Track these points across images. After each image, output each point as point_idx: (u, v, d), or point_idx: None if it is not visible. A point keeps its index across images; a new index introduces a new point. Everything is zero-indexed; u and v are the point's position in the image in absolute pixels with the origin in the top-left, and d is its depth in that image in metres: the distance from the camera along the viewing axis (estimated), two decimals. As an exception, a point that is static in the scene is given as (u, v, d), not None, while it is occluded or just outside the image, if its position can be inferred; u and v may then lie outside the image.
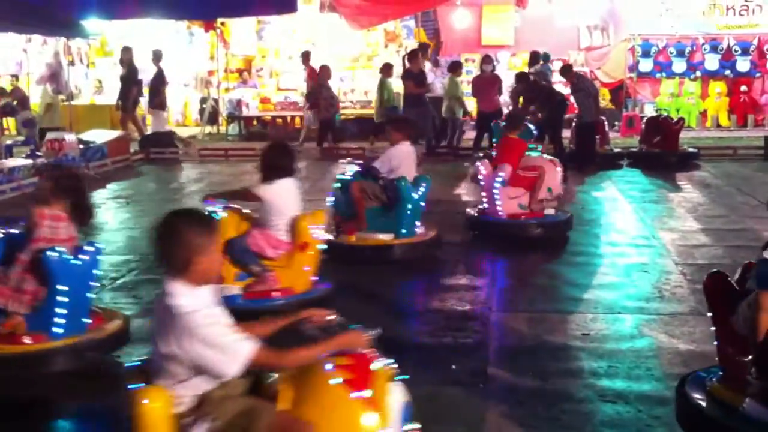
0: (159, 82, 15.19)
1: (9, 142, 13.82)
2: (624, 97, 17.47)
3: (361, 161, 7.60)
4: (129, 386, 2.61)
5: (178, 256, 2.67)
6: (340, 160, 7.48)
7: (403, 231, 6.99)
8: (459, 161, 13.61)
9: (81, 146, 12.96)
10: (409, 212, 7.00)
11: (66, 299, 4.54)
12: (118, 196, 11.12)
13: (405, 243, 7.00)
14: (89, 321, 4.76)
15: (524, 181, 7.83)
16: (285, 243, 5.42)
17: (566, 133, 12.93)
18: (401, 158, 7.10)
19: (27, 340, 4.55)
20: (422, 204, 7.13)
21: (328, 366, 2.66)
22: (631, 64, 17.50)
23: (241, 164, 13.89)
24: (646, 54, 17.90)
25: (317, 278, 5.57)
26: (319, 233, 5.52)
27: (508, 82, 15.07)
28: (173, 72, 19.76)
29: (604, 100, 16.96)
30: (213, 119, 18.18)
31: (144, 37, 18.87)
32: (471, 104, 15.16)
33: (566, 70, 13.42)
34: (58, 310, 4.55)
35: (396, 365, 2.81)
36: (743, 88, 17.74)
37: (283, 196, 5.41)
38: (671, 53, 17.94)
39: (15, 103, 14.50)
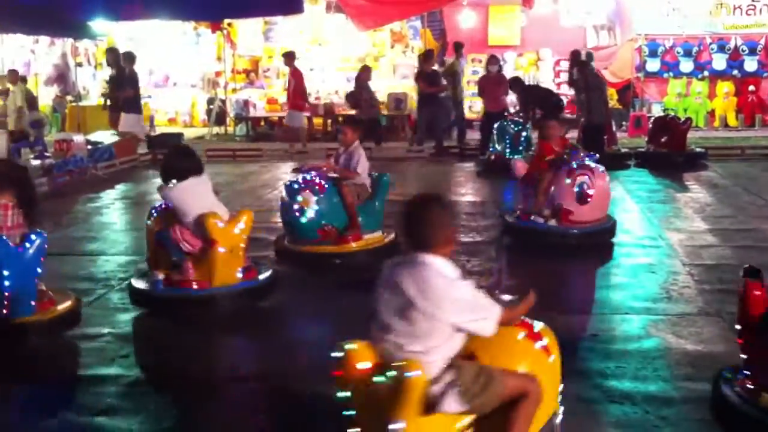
0: (131, 83, 14.57)
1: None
2: (631, 97, 17.43)
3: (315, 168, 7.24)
4: (405, 374, 2.71)
5: (432, 234, 2.98)
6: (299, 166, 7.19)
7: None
8: (465, 161, 13.67)
9: (89, 147, 12.98)
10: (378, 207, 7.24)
11: (7, 283, 4.85)
12: (125, 197, 11.15)
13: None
14: (35, 303, 5.02)
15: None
16: (196, 239, 5.65)
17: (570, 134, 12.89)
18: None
19: None
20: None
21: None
22: (638, 64, 17.45)
23: (248, 165, 13.91)
24: (653, 54, 17.85)
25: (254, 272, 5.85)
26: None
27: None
28: (180, 73, 19.92)
29: (612, 100, 16.92)
30: (220, 120, 18.22)
31: (151, 38, 19.01)
32: (478, 104, 15.15)
33: (584, 64, 13.37)
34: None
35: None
36: (751, 87, 17.68)
37: (184, 198, 5.66)
38: (678, 53, 17.89)
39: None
